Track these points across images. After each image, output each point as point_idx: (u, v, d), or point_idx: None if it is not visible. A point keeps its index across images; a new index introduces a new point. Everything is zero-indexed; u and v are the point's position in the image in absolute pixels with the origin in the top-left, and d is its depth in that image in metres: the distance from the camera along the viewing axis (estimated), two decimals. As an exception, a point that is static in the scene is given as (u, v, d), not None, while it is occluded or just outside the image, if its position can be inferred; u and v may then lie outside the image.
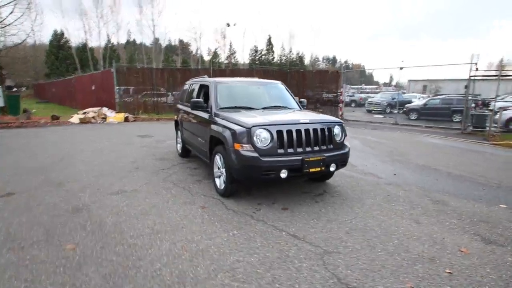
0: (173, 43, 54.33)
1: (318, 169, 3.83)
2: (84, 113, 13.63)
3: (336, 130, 4.13)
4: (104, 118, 13.59)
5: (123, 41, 54.03)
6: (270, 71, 20.25)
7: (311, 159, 3.74)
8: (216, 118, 4.36)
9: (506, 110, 13.11)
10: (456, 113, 17.68)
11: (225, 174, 4.02)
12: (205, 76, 5.86)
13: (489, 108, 15.49)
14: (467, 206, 3.97)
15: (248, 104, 4.76)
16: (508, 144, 8.55)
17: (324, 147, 3.98)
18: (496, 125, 12.32)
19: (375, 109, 22.22)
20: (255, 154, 3.59)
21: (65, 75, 29.95)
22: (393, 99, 23.75)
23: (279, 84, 5.57)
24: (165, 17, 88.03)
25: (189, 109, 5.66)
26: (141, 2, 49.73)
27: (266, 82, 5.54)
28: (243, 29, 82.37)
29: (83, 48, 39.73)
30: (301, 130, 3.81)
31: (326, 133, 4.00)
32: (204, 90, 5.42)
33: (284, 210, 3.77)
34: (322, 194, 4.32)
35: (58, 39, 41.35)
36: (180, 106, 6.45)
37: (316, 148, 3.91)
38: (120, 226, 3.27)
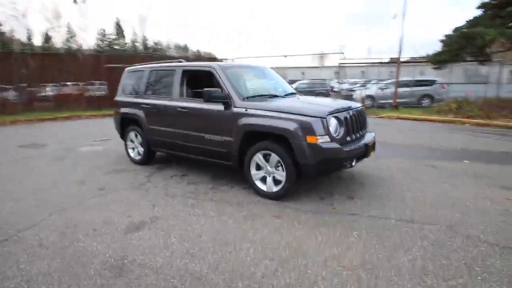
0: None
1: (373, 152, 3.86)
2: None
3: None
4: None
5: None
6: (170, 57, 17.96)
7: (370, 143, 3.71)
8: (250, 110, 3.61)
9: (361, 90, 16.78)
10: (319, 95, 21.37)
11: (284, 173, 3.43)
12: (182, 60, 4.66)
13: (334, 90, 19.40)
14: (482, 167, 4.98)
15: (268, 92, 4.17)
16: (388, 116, 11.07)
17: (365, 131, 4.02)
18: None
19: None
20: (337, 145, 3.24)
21: None
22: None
23: (270, 69, 5.11)
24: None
25: (169, 102, 4.43)
26: None
27: (263, 67, 4.94)
28: (84, 8, 68.64)
29: None
30: (354, 115, 3.70)
31: (363, 117, 4.04)
32: (194, 77, 4.34)
33: (350, 199, 3.61)
34: (354, 178, 4.38)
35: None
36: (138, 100, 4.90)
37: (363, 132, 3.90)
38: (226, 272, 2.30)
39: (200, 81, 4.30)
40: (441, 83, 15.55)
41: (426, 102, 14.90)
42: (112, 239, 2.79)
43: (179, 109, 4.29)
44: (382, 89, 16.16)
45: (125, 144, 5.36)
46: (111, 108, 6.16)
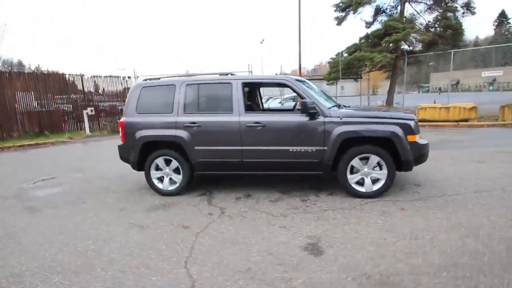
0: None
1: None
2: None
3: None
4: None
5: None
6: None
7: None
8: (346, 118, 3.82)
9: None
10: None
11: (384, 171, 3.79)
12: (229, 73, 4.25)
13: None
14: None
15: (332, 103, 4.43)
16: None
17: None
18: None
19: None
20: (427, 141, 3.91)
21: None
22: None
23: None
24: None
25: (231, 118, 4.04)
26: None
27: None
28: None
29: None
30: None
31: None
32: (252, 90, 4.10)
33: (418, 186, 4.31)
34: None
35: None
36: (175, 119, 4.10)
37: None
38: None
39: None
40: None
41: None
42: (319, 265, 2.48)
43: (250, 124, 3.97)
44: (281, 103, 18.35)
45: (148, 175, 4.36)
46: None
